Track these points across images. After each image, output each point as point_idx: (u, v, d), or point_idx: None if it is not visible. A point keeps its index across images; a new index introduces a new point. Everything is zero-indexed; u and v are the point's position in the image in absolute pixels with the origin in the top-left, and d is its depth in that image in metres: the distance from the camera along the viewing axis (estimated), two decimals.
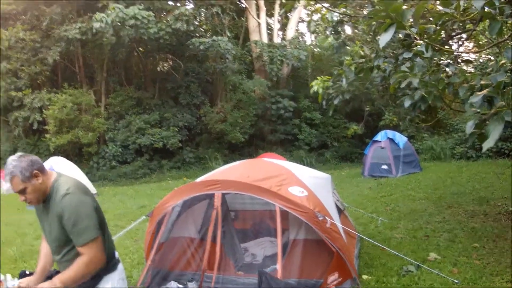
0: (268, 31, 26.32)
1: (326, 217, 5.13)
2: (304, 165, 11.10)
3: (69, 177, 3.29)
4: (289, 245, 5.40)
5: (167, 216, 5.74)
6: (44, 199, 3.17)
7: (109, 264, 3.21)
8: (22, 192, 3.08)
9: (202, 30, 26.30)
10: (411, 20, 4.08)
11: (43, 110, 23.76)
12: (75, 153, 23.45)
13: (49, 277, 3.32)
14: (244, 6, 25.76)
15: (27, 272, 4.16)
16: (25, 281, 3.23)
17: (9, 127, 26.53)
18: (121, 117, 23.95)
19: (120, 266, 3.34)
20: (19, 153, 3.22)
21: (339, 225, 5.46)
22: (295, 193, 5.26)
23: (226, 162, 19.55)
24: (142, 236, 8.28)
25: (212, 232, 5.57)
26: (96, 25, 20.06)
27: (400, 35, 5.00)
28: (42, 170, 3.14)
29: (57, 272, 3.33)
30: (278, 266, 4.80)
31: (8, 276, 3.78)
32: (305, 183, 5.67)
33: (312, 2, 9.28)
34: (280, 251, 4.91)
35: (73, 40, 22.72)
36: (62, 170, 16.77)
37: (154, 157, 23.40)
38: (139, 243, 8.57)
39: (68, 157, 18.77)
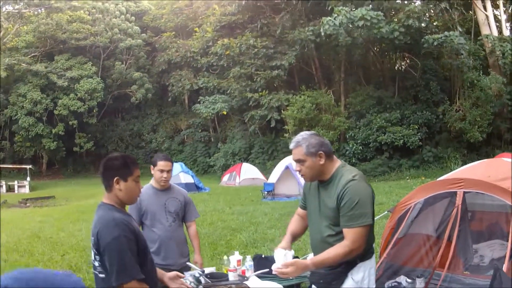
0: (497, 23, 25.63)
1: None
2: None
3: (354, 167, 3.42)
4: None
5: (409, 212, 5.81)
6: (322, 180, 3.30)
7: (366, 252, 3.25)
8: (301, 162, 3.23)
9: (434, 26, 26.07)
10: None
11: (281, 110, 24.68)
12: None
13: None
14: None
15: (263, 256, 4.49)
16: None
17: (245, 125, 28.01)
18: (362, 116, 24.46)
19: (373, 256, 3.37)
20: (313, 132, 3.46)
21: None
22: None
23: (464, 162, 19.22)
24: (379, 231, 8.41)
25: (449, 230, 5.54)
26: (325, 27, 20.46)
27: None
28: (328, 154, 3.26)
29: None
30: (505, 267, 4.64)
31: (248, 256, 4.20)
32: None
33: None
34: (509, 253, 4.79)
35: (307, 42, 23.43)
36: None
37: (393, 155, 23.61)
38: (377, 237, 8.72)
39: None
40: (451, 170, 10.18)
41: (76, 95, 32.40)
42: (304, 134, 3.36)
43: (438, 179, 6.40)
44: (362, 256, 3.25)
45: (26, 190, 27.55)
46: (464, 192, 5.66)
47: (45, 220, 13.82)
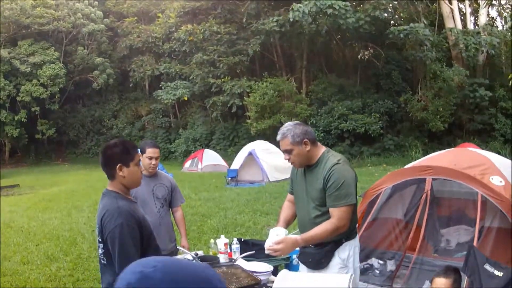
0: (461, 17, 26.29)
1: None
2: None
3: (337, 153, 3.67)
4: (483, 233, 5.56)
5: (379, 197, 6.13)
6: (308, 165, 3.54)
7: (351, 232, 3.51)
8: (289, 152, 3.48)
9: (399, 17, 26.54)
10: None
11: (243, 97, 24.84)
12: (276, 137, 24.37)
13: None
14: None
15: (242, 240, 4.69)
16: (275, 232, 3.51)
17: (206, 111, 28.05)
18: (324, 104, 24.80)
19: (357, 236, 3.64)
20: (297, 122, 3.66)
21: None
22: (495, 182, 5.48)
23: (425, 151, 19.87)
24: None
25: (418, 215, 5.86)
26: (294, 14, 20.69)
27: None
28: (312, 141, 3.50)
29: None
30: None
31: (235, 239, 4.37)
32: (503, 173, 5.83)
33: None
34: (476, 237, 5.16)
35: (272, 32, 23.49)
36: (265, 152, 18.10)
37: (355, 143, 24.07)
38: None
39: (268, 140, 19.64)
40: (412, 158, 10.50)
41: (39, 81, 31.69)
42: (288, 125, 3.56)
43: (406, 166, 6.69)
44: (347, 235, 3.48)
45: None
46: (433, 179, 5.94)
47: (14, 210, 13.61)
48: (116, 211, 2.83)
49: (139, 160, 3.07)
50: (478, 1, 26.50)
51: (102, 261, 2.98)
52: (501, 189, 5.49)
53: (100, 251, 2.97)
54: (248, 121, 24.88)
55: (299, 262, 3.74)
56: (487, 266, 4.24)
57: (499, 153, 20.66)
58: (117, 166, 2.91)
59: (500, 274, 4.15)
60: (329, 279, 3.09)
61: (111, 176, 2.97)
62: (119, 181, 2.96)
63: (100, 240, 2.93)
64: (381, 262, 6.25)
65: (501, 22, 29.01)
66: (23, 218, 12.23)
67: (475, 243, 5.11)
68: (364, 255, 6.13)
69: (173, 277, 1.09)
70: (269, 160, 17.80)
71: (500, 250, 5.38)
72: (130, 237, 2.80)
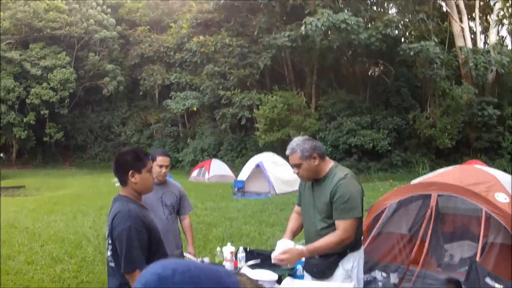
0: (471, 35, 26.37)
1: None
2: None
3: (345, 167, 3.77)
4: (486, 248, 5.62)
5: (384, 212, 6.21)
6: (316, 179, 3.64)
7: (356, 244, 3.61)
8: (298, 166, 3.58)
9: (409, 35, 26.66)
10: None
11: (253, 109, 24.96)
12: (284, 150, 24.44)
13: None
14: (446, 10, 25.92)
15: (248, 249, 4.70)
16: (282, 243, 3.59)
17: (215, 122, 28.18)
18: (332, 119, 24.85)
19: (362, 248, 3.74)
20: (306, 137, 3.80)
21: None
22: (500, 199, 5.60)
23: (432, 167, 19.85)
24: None
25: (423, 230, 5.93)
26: (307, 28, 20.86)
27: None
28: (321, 155, 3.60)
29: None
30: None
31: (240, 248, 4.42)
32: (507, 190, 5.93)
33: None
34: (479, 252, 5.25)
35: (283, 47, 23.66)
36: (272, 164, 18.17)
37: (362, 158, 24.08)
38: None
39: (276, 152, 19.70)
40: (419, 174, 10.55)
41: (49, 84, 31.92)
42: (297, 140, 3.69)
43: (412, 182, 6.75)
44: (351, 247, 3.57)
45: None
46: (438, 195, 5.99)
47: (19, 210, 13.70)
48: (126, 214, 2.93)
49: (151, 167, 3.15)
50: (489, 20, 26.58)
51: (110, 263, 3.07)
52: (506, 206, 5.59)
53: (109, 253, 3.06)
54: (257, 133, 24.96)
55: (304, 271, 3.78)
56: (488, 280, 4.31)
57: (505, 170, 20.55)
58: (129, 173, 3.00)
59: (500, 287, 4.20)
60: (332, 287, 3.14)
61: (123, 182, 3.07)
62: (131, 187, 3.05)
63: (109, 242, 3.03)
64: (384, 275, 6.26)
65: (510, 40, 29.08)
66: (28, 219, 12.32)
67: (478, 258, 5.18)
68: (368, 268, 6.11)
69: (194, 282, 1.09)
70: (276, 172, 17.85)
71: (502, 266, 5.42)
72: (137, 239, 2.88)
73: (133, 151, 3.12)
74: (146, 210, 3.20)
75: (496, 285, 4.41)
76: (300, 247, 3.55)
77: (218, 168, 23.09)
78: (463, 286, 4.02)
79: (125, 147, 3.29)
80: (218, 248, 4.49)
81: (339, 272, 3.53)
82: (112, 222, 2.96)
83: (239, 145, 28.43)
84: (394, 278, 6.17)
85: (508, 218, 5.33)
